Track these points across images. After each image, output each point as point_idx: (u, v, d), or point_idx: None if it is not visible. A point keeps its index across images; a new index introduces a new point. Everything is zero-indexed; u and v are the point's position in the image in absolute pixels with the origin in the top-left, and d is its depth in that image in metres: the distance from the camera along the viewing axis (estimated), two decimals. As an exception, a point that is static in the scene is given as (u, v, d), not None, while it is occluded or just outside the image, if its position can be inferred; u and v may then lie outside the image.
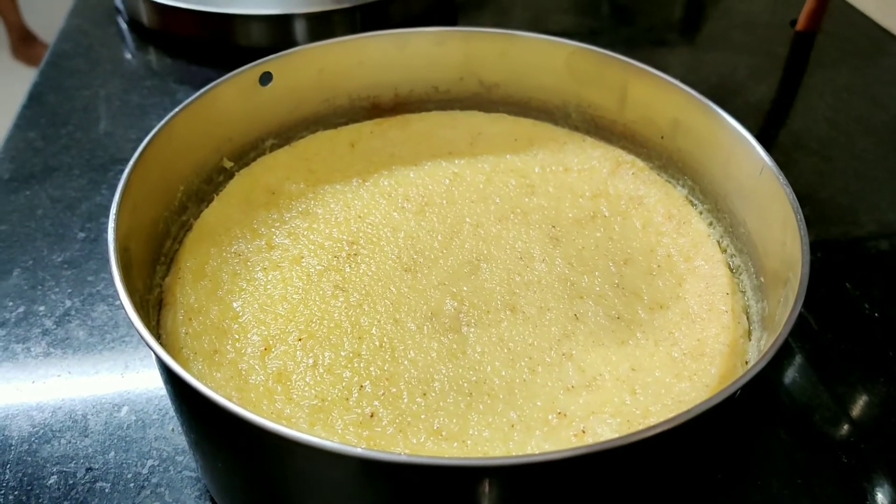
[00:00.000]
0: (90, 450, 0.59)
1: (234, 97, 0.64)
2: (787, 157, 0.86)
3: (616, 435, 0.47)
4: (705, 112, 0.62)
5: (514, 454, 0.46)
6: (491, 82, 0.76)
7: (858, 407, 0.64)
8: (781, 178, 0.54)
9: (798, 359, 0.66)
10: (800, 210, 0.51)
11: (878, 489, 0.58)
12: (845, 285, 0.69)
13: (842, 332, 0.68)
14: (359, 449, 0.35)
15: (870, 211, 0.82)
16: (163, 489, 0.56)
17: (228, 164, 0.67)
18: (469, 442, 0.47)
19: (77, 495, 0.56)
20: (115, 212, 0.48)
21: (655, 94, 0.67)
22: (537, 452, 0.34)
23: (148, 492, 0.56)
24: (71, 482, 0.56)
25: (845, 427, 0.62)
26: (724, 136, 0.61)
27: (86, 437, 0.60)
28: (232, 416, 0.37)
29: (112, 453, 0.58)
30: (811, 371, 0.65)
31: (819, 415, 0.62)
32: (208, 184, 0.65)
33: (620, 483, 0.43)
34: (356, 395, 0.50)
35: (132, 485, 0.56)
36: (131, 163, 0.53)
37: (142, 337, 0.40)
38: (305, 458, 0.37)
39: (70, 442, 0.59)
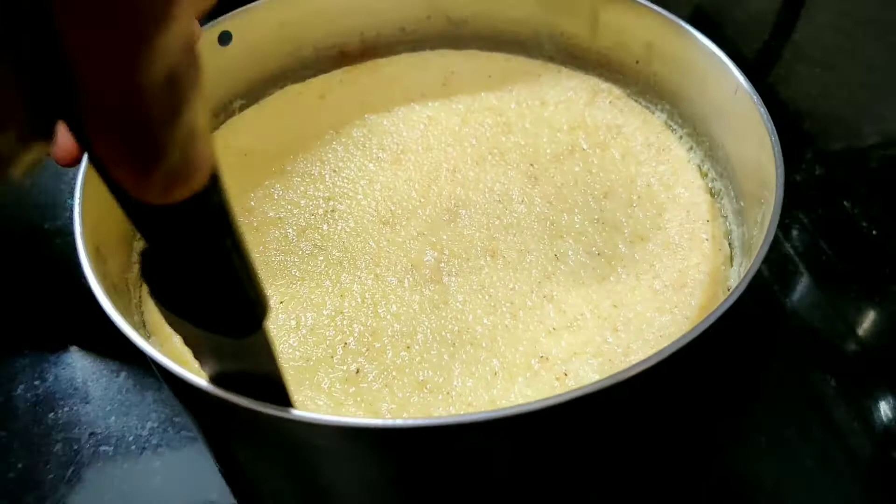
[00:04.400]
0: (92, 415, 0.60)
1: (194, 60, 0.62)
2: (789, 70, 0.81)
3: (597, 376, 0.47)
4: (678, 33, 0.60)
5: (497, 402, 0.47)
6: (459, 18, 0.73)
7: (859, 325, 0.64)
8: (755, 97, 0.52)
9: (804, 279, 0.66)
10: (774, 130, 0.49)
11: (881, 404, 0.59)
12: (843, 204, 0.68)
13: (840, 251, 0.67)
14: (332, 417, 0.35)
15: (874, 122, 0.78)
16: (163, 449, 0.58)
17: (197, 129, 0.65)
18: (453, 393, 0.47)
19: (83, 459, 0.57)
20: (79, 195, 0.48)
21: (627, 18, 0.64)
22: (510, 406, 0.35)
23: (149, 452, 0.58)
24: (76, 447, 0.58)
25: (848, 345, 0.63)
26: (698, 58, 0.59)
27: (87, 403, 0.61)
28: (207, 395, 0.37)
29: (113, 418, 0.60)
30: (815, 289, 0.65)
31: (822, 332, 0.62)
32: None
33: (608, 425, 0.43)
34: (341, 352, 0.50)
35: (133, 447, 0.58)
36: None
37: (112, 320, 0.40)
38: (285, 429, 0.38)
39: (73, 409, 0.61)
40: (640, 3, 0.63)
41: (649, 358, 0.37)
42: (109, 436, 0.59)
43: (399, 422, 0.35)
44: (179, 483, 0.56)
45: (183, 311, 0.31)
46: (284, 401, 0.38)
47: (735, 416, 0.58)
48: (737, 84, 0.54)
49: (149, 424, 0.60)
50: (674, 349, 0.38)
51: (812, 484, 0.54)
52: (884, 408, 0.60)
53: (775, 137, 0.49)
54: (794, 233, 0.68)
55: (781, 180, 0.46)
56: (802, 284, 0.67)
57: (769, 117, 0.50)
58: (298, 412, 0.36)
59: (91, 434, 0.59)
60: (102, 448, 0.58)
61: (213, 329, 0.32)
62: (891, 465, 0.56)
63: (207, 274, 0.29)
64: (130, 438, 0.59)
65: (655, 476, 0.55)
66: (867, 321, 0.65)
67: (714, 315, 0.39)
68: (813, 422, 0.58)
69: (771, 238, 0.42)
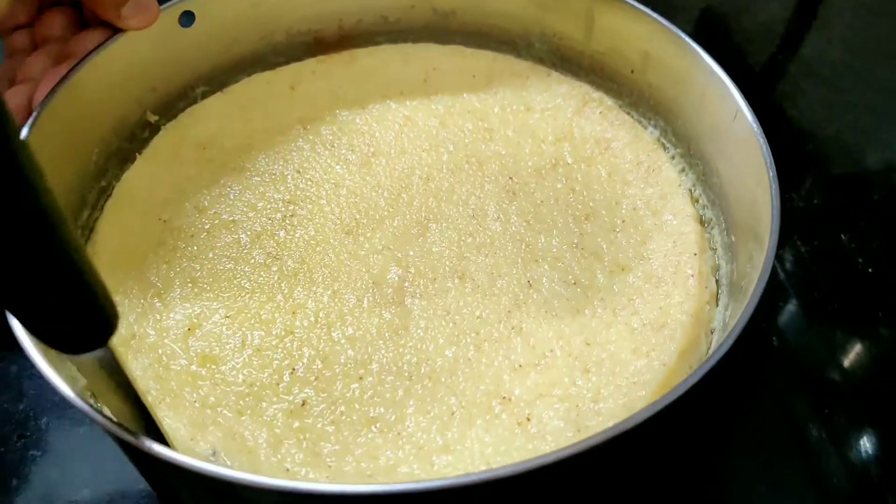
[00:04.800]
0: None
1: (150, 43, 0.57)
2: (795, 87, 0.75)
3: (562, 424, 0.43)
4: (678, 45, 0.56)
5: (450, 448, 0.43)
6: (446, 9, 0.68)
7: (845, 361, 0.61)
8: (756, 126, 0.48)
9: (791, 307, 0.62)
10: (773, 166, 0.45)
11: (864, 440, 0.56)
12: (840, 237, 0.64)
13: (834, 287, 0.63)
14: (248, 476, 0.31)
15: (879, 149, 0.73)
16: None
17: (153, 118, 0.60)
18: (404, 434, 0.43)
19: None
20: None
21: (624, 23, 0.60)
22: (439, 480, 0.31)
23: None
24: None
25: (833, 379, 0.59)
26: (697, 73, 0.54)
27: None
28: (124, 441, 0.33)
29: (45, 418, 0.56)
30: (804, 320, 0.61)
31: (807, 365, 0.59)
32: (130, 141, 0.59)
33: (569, 486, 0.39)
34: (287, 379, 0.46)
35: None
36: (25, 131, 0.47)
37: (33, 361, 0.36)
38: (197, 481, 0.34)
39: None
40: (639, 8, 0.58)
41: (615, 426, 0.34)
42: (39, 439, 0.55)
43: (304, 485, 0.31)
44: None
45: (14, 311, 0.27)
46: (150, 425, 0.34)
47: (714, 445, 0.55)
48: (737, 108, 0.50)
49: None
50: (641, 419, 0.34)
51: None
52: (864, 444, 0.57)
53: (773, 173, 0.45)
54: (787, 262, 0.64)
55: (777, 224, 0.42)
56: (791, 314, 0.63)
57: (769, 150, 0.46)
58: (200, 465, 0.32)
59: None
60: (31, 453, 0.54)
61: (44, 339, 0.27)
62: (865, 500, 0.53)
63: (22, 267, 0.23)
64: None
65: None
66: (854, 359, 0.62)
67: (688, 382, 0.35)
68: (792, 453, 0.54)
69: (756, 301, 0.38)
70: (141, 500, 0.52)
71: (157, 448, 0.33)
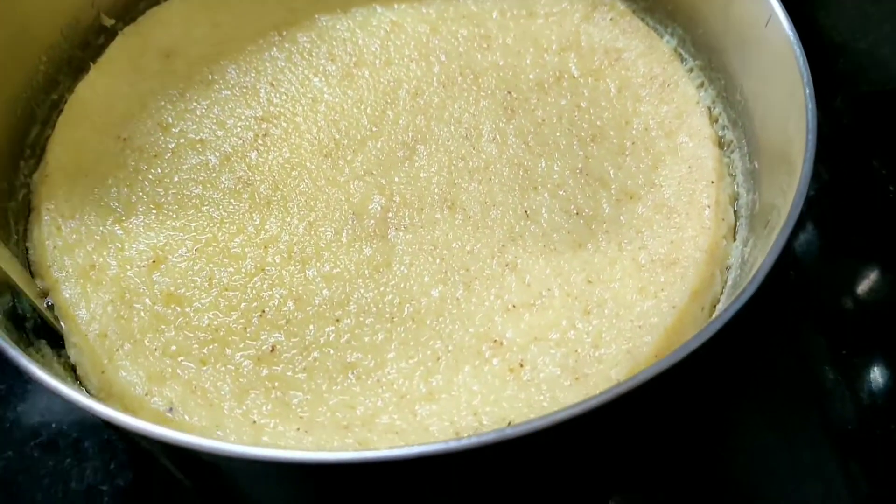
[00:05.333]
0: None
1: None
2: None
3: (558, 371, 0.39)
4: (703, -62, 0.48)
5: (434, 396, 0.39)
6: None
7: (864, 289, 0.56)
8: (792, 34, 0.41)
9: (811, 237, 0.57)
10: (810, 80, 0.39)
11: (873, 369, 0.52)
12: (871, 163, 0.58)
13: (861, 215, 0.58)
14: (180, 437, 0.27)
15: None
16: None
17: (108, 21, 0.54)
18: (384, 380, 0.40)
19: None
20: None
21: (642, -88, 0.52)
22: (384, 449, 0.27)
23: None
24: None
25: (850, 312, 0.55)
26: (725, -27, 0.47)
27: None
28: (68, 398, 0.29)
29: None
30: (824, 255, 0.56)
31: (825, 301, 0.55)
32: (83, 49, 0.53)
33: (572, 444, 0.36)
34: (256, 322, 0.42)
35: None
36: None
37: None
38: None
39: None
40: None
41: (611, 389, 0.29)
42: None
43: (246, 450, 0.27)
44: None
45: None
46: None
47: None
48: (770, 13, 0.43)
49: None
50: (646, 377, 0.30)
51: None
52: (874, 375, 0.54)
53: (810, 90, 0.39)
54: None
55: (812, 148, 0.36)
56: (811, 245, 0.58)
57: (805, 63, 0.40)
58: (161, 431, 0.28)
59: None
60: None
61: None
62: (873, 438, 0.50)
63: None
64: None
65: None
66: (869, 285, 0.57)
67: (698, 339, 0.30)
68: (802, 385, 0.51)
69: (789, 231, 0.33)
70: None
71: (102, 409, 0.30)
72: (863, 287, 0.57)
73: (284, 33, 0.55)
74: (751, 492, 0.49)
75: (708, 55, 0.52)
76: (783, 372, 0.51)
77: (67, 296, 0.42)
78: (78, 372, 0.40)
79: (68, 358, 0.41)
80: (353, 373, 0.40)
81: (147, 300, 0.42)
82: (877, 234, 0.57)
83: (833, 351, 0.53)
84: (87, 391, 0.40)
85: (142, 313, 0.42)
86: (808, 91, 0.38)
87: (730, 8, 0.48)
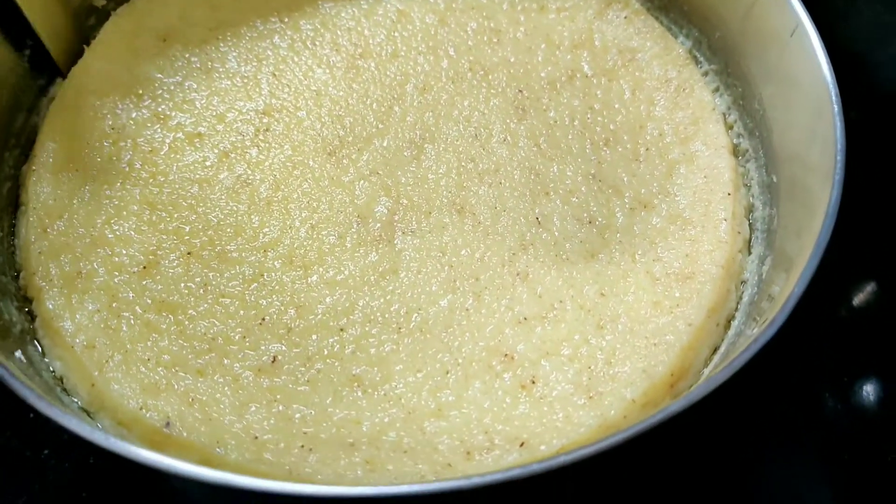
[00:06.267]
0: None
1: None
2: (847, 1, 0.64)
3: (571, 388, 0.38)
4: (728, -62, 0.46)
5: (443, 412, 0.38)
6: None
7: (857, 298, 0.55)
8: (821, 49, 0.40)
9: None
10: (838, 98, 0.38)
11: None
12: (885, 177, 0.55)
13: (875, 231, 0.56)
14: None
15: None
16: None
17: (100, 2, 0.51)
18: (392, 395, 0.38)
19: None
20: None
21: None
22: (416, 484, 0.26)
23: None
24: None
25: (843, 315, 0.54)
26: (748, -24, 0.46)
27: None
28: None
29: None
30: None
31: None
32: (76, 31, 0.50)
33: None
34: (257, 330, 0.40)
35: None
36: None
37: None
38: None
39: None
40: None
41: (638, 426, 0.28)
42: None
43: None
44: None
45: None
46: None
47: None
48: (797, 22, 0.42)
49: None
50: (662, 417, 0.29)
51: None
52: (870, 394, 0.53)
53: (839, 107, 0.37)
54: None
55: (840, 172, 0.35)
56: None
57: (833, 78, 0.39)
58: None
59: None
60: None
61: None
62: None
63: None
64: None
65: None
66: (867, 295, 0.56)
67: (718, 377, 0.29)
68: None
69: (816, 262, 0.32)
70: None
71: (93, 436, 0.28)
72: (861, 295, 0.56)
73: (287, 19, 0.53)
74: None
75: (725, 59, 0.50)
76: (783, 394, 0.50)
77: (51, 306, 0.40)
78: (65, 385, 0.39)
79: (59, 367, 0.40)
80: (358, 386, 0.38)
81: (138, 308, 0.40)
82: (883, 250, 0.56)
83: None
84: (76, 404, 0.38)
85: (132, 322, 0.40)
86: (836, 108, 0.37)
87: (751, 13, 0.47)
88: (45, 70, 0.48)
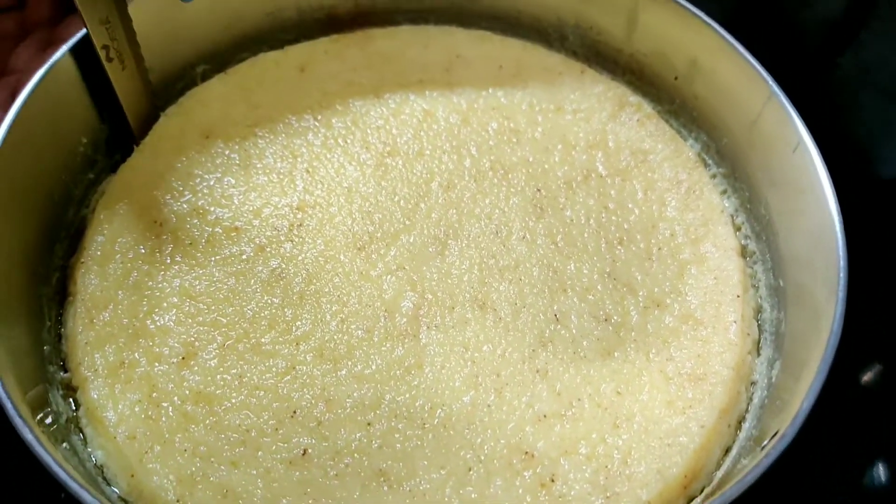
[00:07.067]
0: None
1: (146, 16, 0.51)
2: (851, 98, 0.66)
3: (589, 488, 0.40)
4: (731, 57, 0.50)
5: (468, 512, 0.39)
6: (474, -11, 0.61)
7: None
8: (822, 168, 0.43)
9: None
10: (839, 216, 0.41)
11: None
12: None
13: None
14: None
15: None
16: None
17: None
18: (417, 491, 0.40)
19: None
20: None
21: (671, 24, 0.54)
22: None
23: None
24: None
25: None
26: (754, 93, 0.49)
27: None
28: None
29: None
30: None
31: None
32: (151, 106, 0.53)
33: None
34: (288, 423, 0.42)
35: None
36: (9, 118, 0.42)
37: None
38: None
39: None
40: (690, 10, 0.52)
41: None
42: None
43: None
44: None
45: None
46: None
47: None
48: (798, 139, 0.45)
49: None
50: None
51: None
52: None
53: (840, 226, 0.40)
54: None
55: (843, 289, 0.37)
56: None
57: (834, 193, 0.41)
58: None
59: None
60: None
61: None
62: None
63: None
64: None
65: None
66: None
67: (731, 493, 0.31)
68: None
69: (824, 376, 0.34)
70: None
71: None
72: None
73: (320, 117, 0.56)
74: None
75: (732, 164, 0.53)
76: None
77: (95, 396, 0.42)
78: (105, 474, 0.40)
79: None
80: (384, 481, 0.40)
81: (176, 399, 0.43)
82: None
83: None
84: (115, 493, 0.40)
85: (170, 412, 0.42)
86: (838, 227, 0.40)
87: (756, 126, 0.50)
88: (95, 164, 0.52)
